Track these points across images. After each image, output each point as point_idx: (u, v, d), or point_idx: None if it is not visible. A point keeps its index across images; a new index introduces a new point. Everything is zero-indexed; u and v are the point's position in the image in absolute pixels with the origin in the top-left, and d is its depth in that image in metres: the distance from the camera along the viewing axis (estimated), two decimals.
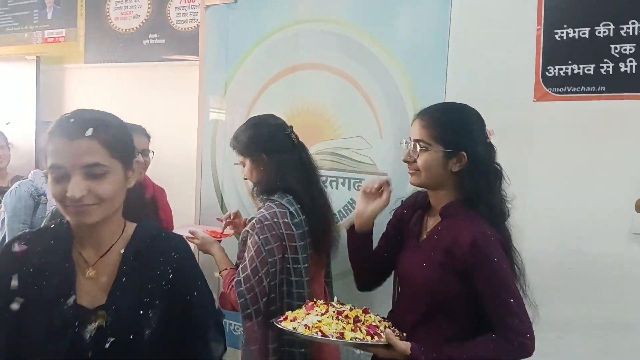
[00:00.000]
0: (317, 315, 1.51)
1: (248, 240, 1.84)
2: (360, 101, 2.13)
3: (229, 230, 2.18)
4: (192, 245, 2.11)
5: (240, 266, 1.83)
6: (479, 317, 1.47)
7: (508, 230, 1.56)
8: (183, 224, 2.37)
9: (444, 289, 1.49)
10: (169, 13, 3.28)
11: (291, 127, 1.97)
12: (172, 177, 2.81)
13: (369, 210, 1.70)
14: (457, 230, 1.48)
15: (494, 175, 1.55)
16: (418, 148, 1.53)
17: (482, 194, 1.51)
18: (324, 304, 1.58)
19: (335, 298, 1.61)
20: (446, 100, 1.90)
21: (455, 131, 1.52)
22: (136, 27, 3.44)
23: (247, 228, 1.86)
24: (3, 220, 2.73)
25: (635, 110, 1.96)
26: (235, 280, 1.82)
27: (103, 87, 3.60)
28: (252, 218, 1.87)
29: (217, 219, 2.27)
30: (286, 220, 1.84)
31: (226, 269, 1.92)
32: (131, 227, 1.27)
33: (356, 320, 1.49)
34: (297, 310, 1.60)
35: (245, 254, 1.83)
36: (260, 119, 2.00)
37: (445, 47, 1.94)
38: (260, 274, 1.79)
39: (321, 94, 2.25)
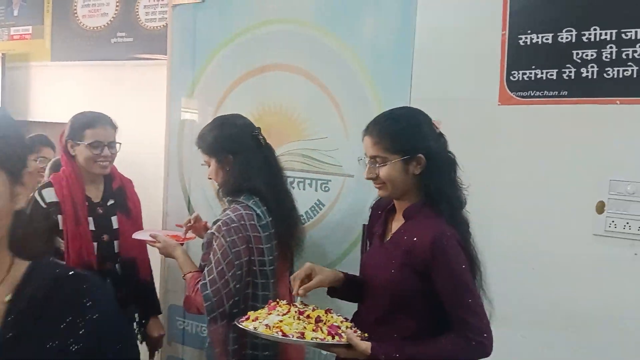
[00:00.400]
0: (278, 315, 1.51)
1: (214, 242, 1.81)
2: (327, 102, 2.14)
3: (190, 234, 2.16)
4: (154, 249, 2.10)
5: (206, 269, 1.80)
6: (440, 316, 1.48)
7: (466, 218, 1.58)
8: (146, 229, 2.31)
9: (405, 289, 1.50)
10: (137, 12, 3.24)
11: (259, 128, 1.96)
12: (140, 177, 2.77)
13: (321, 283, 1.62)
14: (418, 231, 1.49)
15: (449, 165, 1.57)
16: (377, 164, 1.54)
17: (441, 187, 1.52)
18: (287, 304, 1.58)
19: (299, 299, 1.60)
20: (412, 105, 1.92)
21: (407, 138, 1.53)
22: (104, 25, 3.39)
23: (212, 230, 1.83)
24: None
25: (596, 114, 2.00)
26: (201, 283, 1.79)
27: (69, 86, 3.54)
28: (217, 220, 1.85)
29: (177, 225, 2.24)
30: (253, 222, 1.83)
31: (190, 272, 1.90)
32: (22, 265, 0.92)
33: (317, 320, 1.49)
34: (259, 310, 1.59)
35: (211, 256, 1.80)
36: (226, 119, 1.98)
37: (410, 50, 1.96)
38: (226, 277, 1.77)
39: (288, 95, 2.25)
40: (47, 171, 2.73)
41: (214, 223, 1.86)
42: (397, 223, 1.61)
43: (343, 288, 1.66)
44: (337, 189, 2.14)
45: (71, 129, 2.15)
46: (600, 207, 2.02)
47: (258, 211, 1.85)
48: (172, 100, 2.55)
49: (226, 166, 1.89)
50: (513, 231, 2.14)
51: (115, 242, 2.18)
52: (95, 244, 2.12)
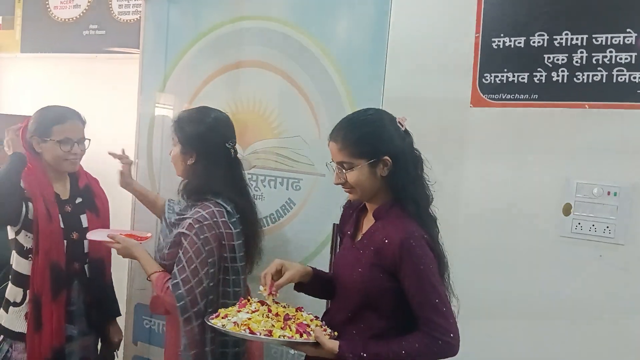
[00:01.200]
0: (247, 312, 1.50)
1: (184, 241, 1.77)
2: (299, 101, 2.12)
3: (147, 233, 2.12)
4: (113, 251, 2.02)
5: (177, 268, 1.76)
6: (410, 315, 1.48)
7: (433, 215, 1.58)
8: (101, 229, 2.18)
9: (374, 288, 1.50)
10: (110, 4, 3.19)
11: (234, 142, 1.92)
12: (109, 173, 2.73)
13: (291, 279, 1.62)
14: (387, 231, 1.49)
15: (415, 163, 1.56)
16: (344, 169, 1.54)
17: (408, 186, 1.52)
18: (258, 301, 1.56)
19: (270, 298, 1.59)
20: (383, 105, 1.91)
21: (371, 141, 1.52)
22: (76, 17, 3.32)
23: (182, 230, 1.79)
24: None
25: (565, 118, 2.04)
26: (172, 282, 1.75)
27: (39, 78, 3.48)
28: (184, 218, 1.82)
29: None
30: (224, 219, 1.81)
31: (156, 272, 1.84)
32: None
33: (286, 318, 1.49)
34: (230, 308, 1.58)
35: (181, 255, 1.76)
36: (208, 116, 1.91)
37: (384, 50, 1.95)
38: (200, 275, 1.74)
39: (261, 93, 2.22)
40: None
41: (180, 220, 1.84)
42: (368, 222, 1.60)
43: (310, 283, 1.66)
44: (308, 188, 2.12)
45: (37, 125, 2.04)
46: (567, 209, 2.06)
47: (228, 208, 1.83)
48: (143, 94, 2.51)
49: (188, 160, 1.88)
50: (481, 231, 2.16)
51: (85, 242, 2.11)
52: (64, 242, 2.05)
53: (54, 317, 2.00)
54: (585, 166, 2.02)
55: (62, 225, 2.05)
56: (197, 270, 1.74)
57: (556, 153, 2.06)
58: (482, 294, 2.08)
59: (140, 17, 2.97)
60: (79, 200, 2.16)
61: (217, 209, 1.81)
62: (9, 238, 2.08)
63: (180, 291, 1.73)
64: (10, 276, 2.09)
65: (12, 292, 2.07)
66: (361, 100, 1.95)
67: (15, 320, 2.04)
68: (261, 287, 1.59)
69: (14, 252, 2.07)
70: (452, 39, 2.20)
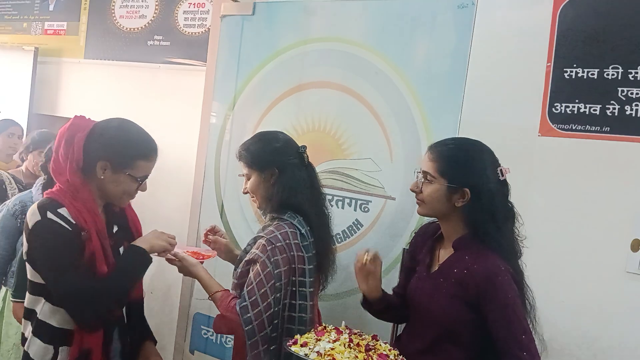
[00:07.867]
0: (328, 342, 1.50)
1: (257, 262, 1.74)
2: (373, 124, 2.14)
3: (211, 252, 2.06)
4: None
5: (247, 289, 1.72)
6: (489, 346, 1.47)
7: (521, 268, 1.57)
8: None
9: (454, 320, 1.50)
10: (176, 16, 3.26)
11: (304, 146, 1.91)
12: (169, 183, 2.78)
13: (370, 286, 1.69)
14: (470, 263, 1.49)
15: (504, 214, 1.55)
16: (424, 180, 1.56)
17: (489, 231, 1.51)
18: (335, 329, 1.57)
19: (343, 323, 1.59)
20: (459, 130, 1.92)
21: (461, 167, 1.53)
22: (141, 27, 3.41)
23: (256, 250, 1.76)
24: None
25: (636, 152, 2.01)
26: (241, 305, 1.70)
27: (101, 84, 3.56)
28: (259, 237, 1.80)
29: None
30: (297, 241, 1.77)
31: (219, 291, 1.80)
32: None
33: (367, 348, 1.48)
34: (306, 335, 1.57)
35: (252, 276, 1.73)
36: (272, 133, 1.93)
37: (464, 77, 1.96)
38: (269, 300, 1.70)
39: (335, 114, 2.25)
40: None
41: (255, 239, 1.82)
42: (445, 253, 1.60)
43: (379, 306, 1.69)
44: (377, 211, 2.13)
45: (116, 153, 1.65)
46: (636, 245, 2.02)
47: (302, 231, 1.80)
48: (209, 109, 2.56)
49: (270, 180, 1.83)
50: (545, 263, 2.13)
51: None
52: None
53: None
54: None
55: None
56: (267, 294, 1.71)
57: (626, 188, 2.03)
58: (543, 327, 2.05)
59: (205, 30, 3.05)
60: (115, 228, 1.78)
61: (291, 230, 1.78)
62: None
63: (248, 315, 1.69)
64: None
65: None
66: (437, 125, 1.97)
67: None
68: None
69: None
70: (525, 67, 2.18)
